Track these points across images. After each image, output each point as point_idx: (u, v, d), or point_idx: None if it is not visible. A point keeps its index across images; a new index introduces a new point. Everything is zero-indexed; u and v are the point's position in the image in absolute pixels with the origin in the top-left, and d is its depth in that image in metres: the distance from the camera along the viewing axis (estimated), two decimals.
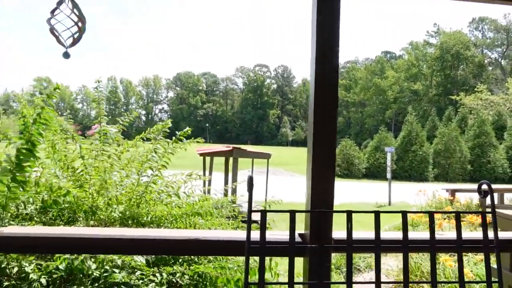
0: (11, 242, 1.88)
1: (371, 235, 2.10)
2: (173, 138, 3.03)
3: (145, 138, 3.39)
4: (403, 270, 1.81)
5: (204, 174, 10.09)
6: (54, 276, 2.49)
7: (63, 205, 2.71)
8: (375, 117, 72.99)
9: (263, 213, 1.75)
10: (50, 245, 1.91)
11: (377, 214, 1.81)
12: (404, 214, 1.86)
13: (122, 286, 2.29)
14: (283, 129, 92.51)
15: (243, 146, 11.87)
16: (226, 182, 10.29)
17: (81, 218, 2.87)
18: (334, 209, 1.92)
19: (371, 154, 31.88)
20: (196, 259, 2.72)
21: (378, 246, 1.77)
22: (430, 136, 34.40)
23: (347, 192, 17.62)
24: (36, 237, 1.88)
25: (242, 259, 2.83)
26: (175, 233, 2.12)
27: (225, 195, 3.89)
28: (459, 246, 1.77)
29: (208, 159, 10.74)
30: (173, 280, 2.54)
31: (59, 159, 2.80)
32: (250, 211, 1.75)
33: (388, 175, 16.40)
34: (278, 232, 2.03)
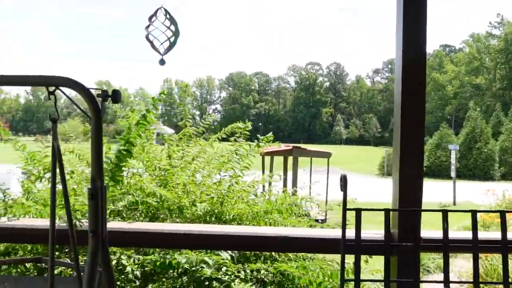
0: (116, 237, 2.04)
1: (459, 234, 2.07)
2: (256, 142, 3.14)
3: (220, 138, 3.51)
4: (503, 272, 1.77)
5: (263, 174, 10.18)
6: (146, 268, 2.65)
7: (149, 204, 2.87)
8: (433, 113, 70.02)
9: (358, 211, 1.78)
10: (151, 240, 2.04)
11: (474, 213, 1.78)
12: (502, 214, 1.82)
13: (214, 282, 2.39)
14: (337, 128, 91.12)
15: (302, 145, 11.87)
16: (285, 181, 10.33)
17: (162, 216, 3.02)
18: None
19: (431, 152, 30.72)
20: (277, 256, 2.79)
21: (475, 246, 1.75)
22: (494, 132, 32.60)
23: None
24: (140, 232, 2.02)
25: (321, 257, 2.86)
26: (264, 230, 2.19)
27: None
28: None
29: (266, 158, 10.85)
30: (258, 276, 2.62)
31: (147, 159, 2.97)
32: (345, 209, 1.79)
33: (453, 174, 15.76)
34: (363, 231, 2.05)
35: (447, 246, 1.74)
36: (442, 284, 1.86)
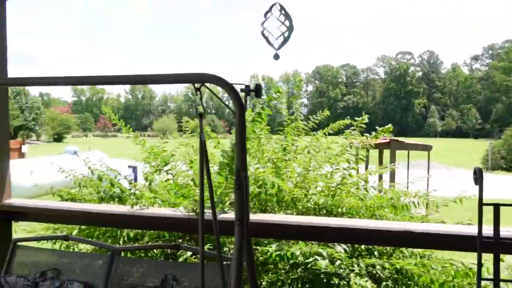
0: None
1: None
2: (373, 133, 3.09)
3: (327, 133, 3.50)
4: None
5: (366, 168, 9.89)
6: (260, 259, 2.73)
7: (260, 196, 2.93)
8: None
9: (496, 206, 1.66)
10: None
11: None
12: None
13: (334, 277, 2.38)
14: (431, 119, 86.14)
15: (400, 138, 11.35)
16: (380, 176, 9.93)
17: (269, 208, 3.07)
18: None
19: None
20: (392, 252, 2.71)
21: None
22: None
23: None
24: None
25: (439, 256, 2.73)
26: (385, 225, 2.13)
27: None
28: None
29: (361, 151, 10.54)
30: (373, 272, 2.57)
31: (258, 151, 3.04)
32: (481, 204, 1.68)
33: None
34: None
35: None
36: None
